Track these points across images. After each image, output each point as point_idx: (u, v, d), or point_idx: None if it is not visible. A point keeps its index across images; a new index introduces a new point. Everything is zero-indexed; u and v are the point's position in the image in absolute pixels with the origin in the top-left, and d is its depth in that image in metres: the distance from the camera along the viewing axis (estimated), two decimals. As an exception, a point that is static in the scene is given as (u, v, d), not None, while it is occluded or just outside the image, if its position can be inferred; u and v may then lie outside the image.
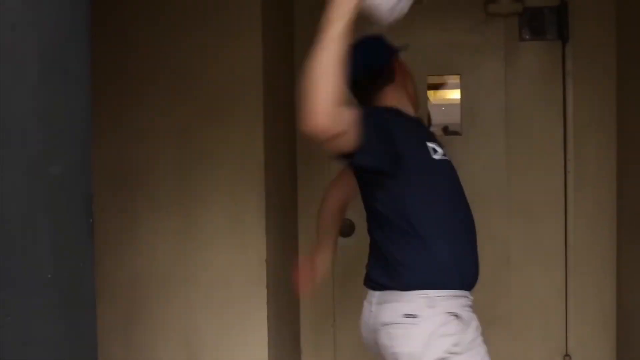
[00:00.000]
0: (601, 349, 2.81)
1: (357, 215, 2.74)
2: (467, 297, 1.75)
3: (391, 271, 1.73)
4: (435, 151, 1.79)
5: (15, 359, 0.92)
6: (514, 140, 2.85)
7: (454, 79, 2.97)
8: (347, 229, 2.81)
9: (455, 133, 2.94)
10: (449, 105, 3.16)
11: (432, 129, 2.88)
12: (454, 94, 3.03)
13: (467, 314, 1.71)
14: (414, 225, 1.72)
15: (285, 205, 2.91)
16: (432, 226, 1.75)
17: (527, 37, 2.79)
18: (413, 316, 1.66)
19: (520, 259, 2.85)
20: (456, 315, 1.67)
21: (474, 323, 1.73)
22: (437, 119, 3.12)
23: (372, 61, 1.98)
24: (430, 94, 3.05)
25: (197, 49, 2.59)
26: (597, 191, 2.76)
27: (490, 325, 2.75)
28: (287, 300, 2.90)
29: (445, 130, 3.21)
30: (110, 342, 2.62)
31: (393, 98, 1.92)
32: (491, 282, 2.78)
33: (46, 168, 0.97)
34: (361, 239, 2.69)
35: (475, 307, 2.08)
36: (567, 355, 2.84)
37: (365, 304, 1.82)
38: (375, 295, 1.77)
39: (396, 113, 1.85)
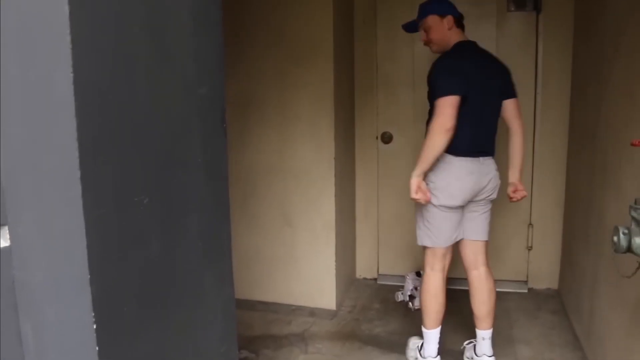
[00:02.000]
0: (554, 220, 3.70)
1: (395, 128, 3.76)
2: None
3: None
4: None
5: (180, 207, 1.08)
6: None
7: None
8: (387, 139, 3.84)
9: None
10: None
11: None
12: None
13: None
14: None
15: (347, 120, 3.78)
16: None
17: (512, 9, 3.61)
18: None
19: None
20: None
21: None
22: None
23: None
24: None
25: (289, 15, 3.36)
26: (556, 113, 3.60)
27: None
28: (347, 182, 3.80)
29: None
30: (232, 209, 3.49)
31: None
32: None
33: (197, 89, 1.12)
34: (397, 146, 3.68)
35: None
36: (530, 224, 3.78)
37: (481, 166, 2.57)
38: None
39: None
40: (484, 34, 3.63)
